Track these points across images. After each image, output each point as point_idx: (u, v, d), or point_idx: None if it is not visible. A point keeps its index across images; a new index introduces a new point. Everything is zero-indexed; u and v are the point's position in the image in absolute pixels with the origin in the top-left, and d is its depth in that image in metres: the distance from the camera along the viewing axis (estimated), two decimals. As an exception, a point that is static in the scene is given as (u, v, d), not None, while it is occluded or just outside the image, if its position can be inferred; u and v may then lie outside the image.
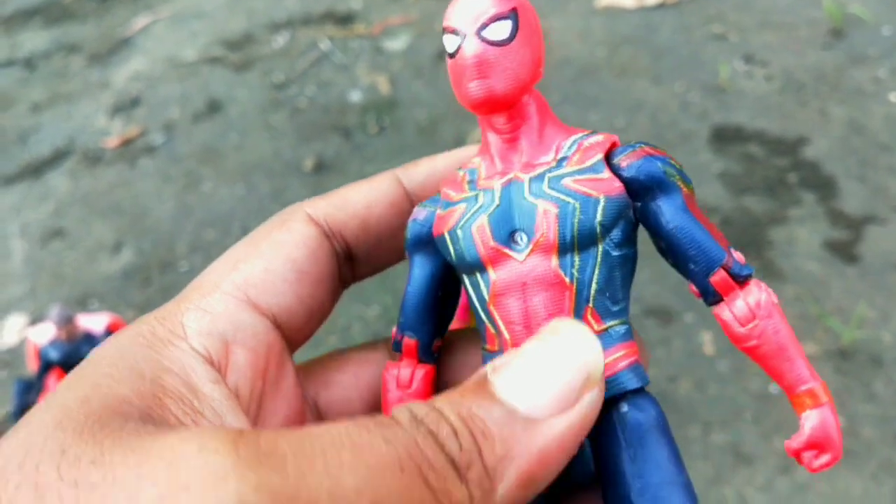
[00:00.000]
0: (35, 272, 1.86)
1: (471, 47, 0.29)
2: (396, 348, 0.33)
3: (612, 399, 0.28)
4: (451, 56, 0.30)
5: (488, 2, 0.29)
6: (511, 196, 0.30)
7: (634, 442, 0.28)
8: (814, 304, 1.44)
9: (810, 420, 0.28)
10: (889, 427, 1.26)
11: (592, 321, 0.29)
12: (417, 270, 0.33)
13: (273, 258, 0.32)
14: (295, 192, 1.91)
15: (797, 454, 0.28)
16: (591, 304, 0.29)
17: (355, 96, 2.22)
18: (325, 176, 1.95)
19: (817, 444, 0.28)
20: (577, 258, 0.29)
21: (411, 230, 0.33)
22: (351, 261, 0.36)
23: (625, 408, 0.28)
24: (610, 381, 0.28)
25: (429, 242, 0.32)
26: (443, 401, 0.24)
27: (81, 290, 1.77)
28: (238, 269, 0.32)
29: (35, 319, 1.71)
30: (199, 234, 1.86)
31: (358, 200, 0.35)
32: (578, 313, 0.29)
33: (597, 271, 0.29)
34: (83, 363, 0.27)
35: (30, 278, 1.85)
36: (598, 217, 0.29)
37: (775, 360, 0.28)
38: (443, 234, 0.31)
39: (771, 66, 2.03)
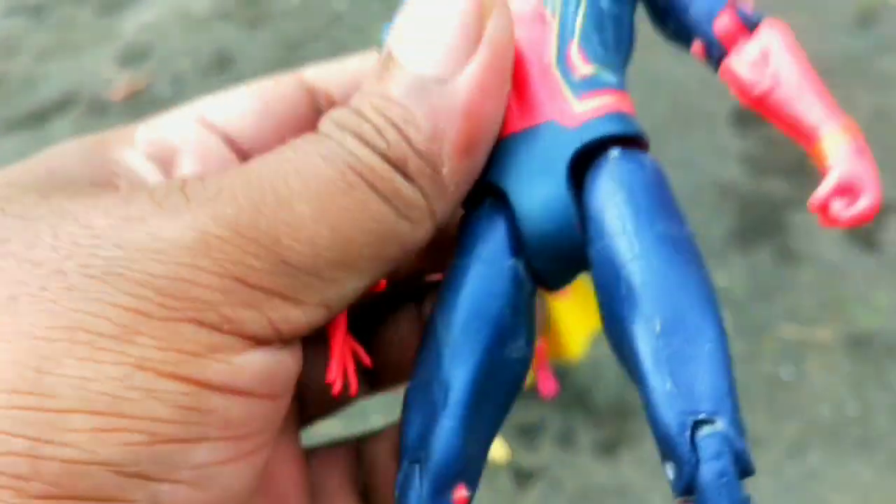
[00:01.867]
0: (35, 219, 1.83)
1: None
2: None
3: (600, 146, 0.23)
4: None
5: None
6: None
7: (625, 188, 0.22)
8: (831, 290, 1.41)
9: (840, 162, 0.21)
10: (904, 417, 1.24)
11: (578, 62, 0.23)
12: None
13: (242, 93, 0.31)
14: (304, 152, 1.88)
15: (822, 206, 0.21)
16: (575, 38, 0.24)
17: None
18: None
19: (846, 189, 0.21)
20: None
21: None
22: None
23: (615, 152, 0.23)
24: (596, 123, 0.23)
25: None
26: (358, 98, 0.22)
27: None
28: (203, 101, 0.31)
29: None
30: (205, 189, 1.83)
31: (353, 66, 0.33)
32: (562, 51, 0.24)
33: (582, 8, 0.24)
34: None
35: (30, 225, 1.82)
36: None
37: (794, 102, 0.23)
38: None
39: (795, 50, 1.99)
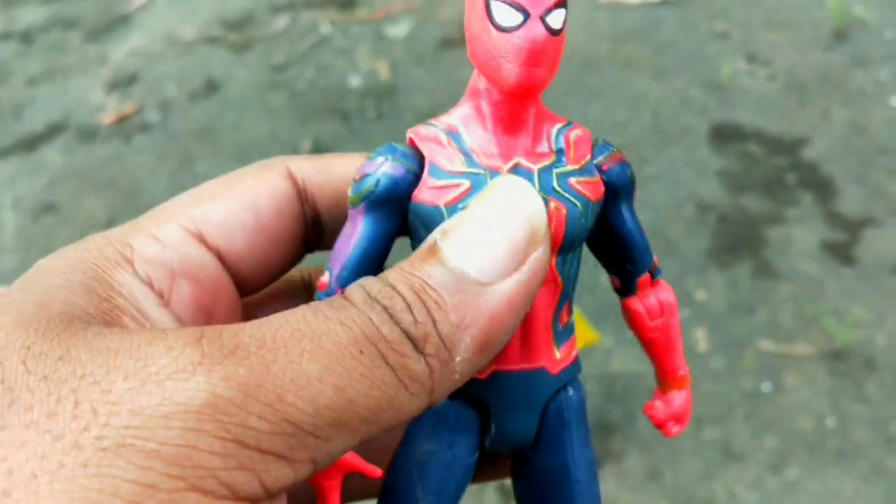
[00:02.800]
0: (26, 246, 1.84)
1: (533, 31, 0.28)
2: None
3: (564, 385, 0.32)
4: (502, 29, 0.28)
5: None
6: None
7: (575, 419, 0.32)
8: (809, 304, 1.43)
9: (678, 399, 0.34)
10: (881, 429, 1.26)
11: (565, 315, 0.31)
12: (373, 228, 0.30)
13: (237, 201, 0.32)
14: (291, 174, 1.89)
15: (662, 423, 0.34)
16: (569, 300, 0.31)
17: (355, 81, 2.21)
18: (322, 160, 1.94)
19: (678, 417, 0.34)
20: (570, 257, 0.30)
21: (382, 184, 0.30)
22: (319, 228, 0.35)
23: (570, 391, 0.32)
24: (567, 371, 0.32)
25: (397, 202, 0.30)
26: (395, 274, 0.24)
27: (72, 266, 1.75)
28: (199, 204, 0.31)
29: (24, 293, 1.68)
30: (194, 213, 1.84)
31: (341, 170, 0.34)
32: (559, 309, 0.31)
33: (577, 269, 0.31)
34: (30, 272, 0.27)
35: (21, 252, 1.83)
36: (591, 221, 0.30)
37: (666, 351, 0.33)
38: (438, 206, 0.29)
39: (773, 66, 2.02)
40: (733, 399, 1.32)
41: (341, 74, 2.24)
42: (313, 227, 0.34)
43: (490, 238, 0.25)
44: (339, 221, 0.34)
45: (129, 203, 1.91)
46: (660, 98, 1.96)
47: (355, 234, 0.30)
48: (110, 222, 1.86)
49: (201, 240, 0.31)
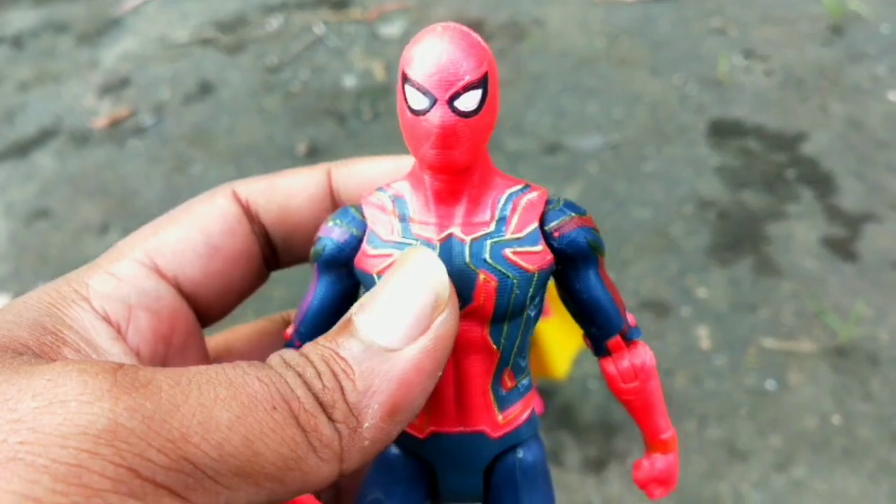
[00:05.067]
0: (19, 252, 1.82)
1: (440, 116, 0.27)
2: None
3: (512, 447, 0.32)
4: (414, 112, 0.27)
5: (463, 66, 0.27)
6: (451, 256, 0.29)
7: (526, 481, 0.32)
8: (811, 300, 1.42)
9: (659, 462, 0.33)
10: (886, 426, 1.25)
11: (507, 380, 0.31)
12: (326, 288, 0.32)
13: (188, 229, 0.33)
14: (287, 176, 1.88)
15: (644, 484, 0.34)
16: (510, 366, 0.31)
17: (350, 81, 2.19)
18: (318, 161, 1.91)
19: (662, 481, 0.33)
20: (506, 327, 0.30)
21: (327, 249, 0.31)
22: (272, 246, 0.36)
23: (521, 453, 0.32)
24: (512, 434, 0.32)
25: (344, 265, 0.31)
26: (310, 347, 0.25)
27: (66, 271, 1.73)
28: (153, 236, 0.32)
29: (18, 300, 1.67)
30: (189, 217, 1.83)
31: (282, 188, 0.35)
32: (498, 375, 0.31)
33: (520, 337, 0.31)
34: None
35: (14, 258, 1.81)
36: (531, 291, 0.30)
37: (643, 413, 0.33)
38: (371, 275, 0.30)
39: (770, 61, 2.01)
40: (737, 397, 1.31)
41: (336, 75, 2.23)
42: (267, 246, 0.35)
43: (396, 307, 0.26)
44: (286, 238, 0.36)
45: (124, 208, 1.89)
46: (657, 95, 1.95)
47: (311, 292, 0.33)
48: (104, 227, 1.84)
49: (156, 271, 0.32)
